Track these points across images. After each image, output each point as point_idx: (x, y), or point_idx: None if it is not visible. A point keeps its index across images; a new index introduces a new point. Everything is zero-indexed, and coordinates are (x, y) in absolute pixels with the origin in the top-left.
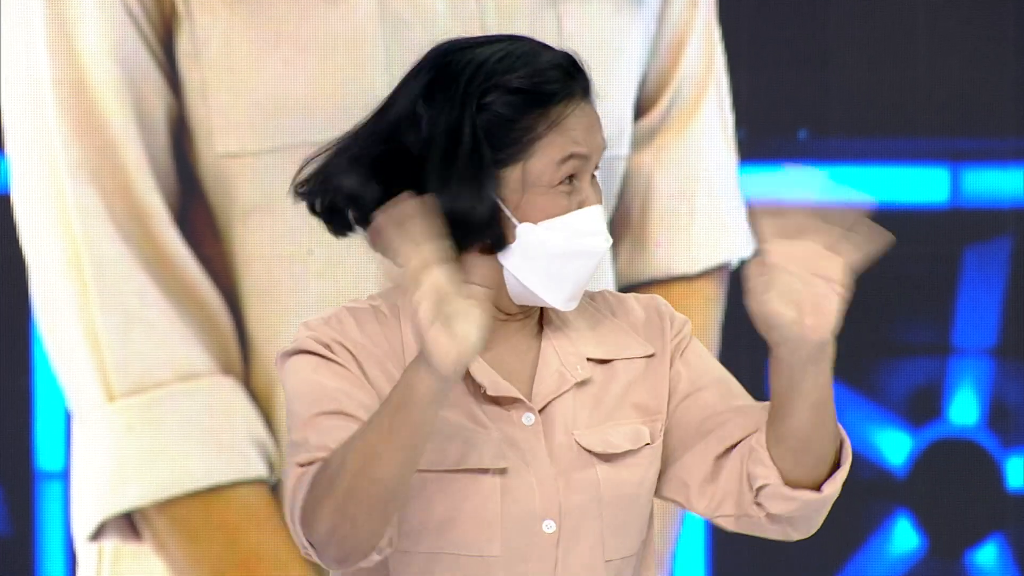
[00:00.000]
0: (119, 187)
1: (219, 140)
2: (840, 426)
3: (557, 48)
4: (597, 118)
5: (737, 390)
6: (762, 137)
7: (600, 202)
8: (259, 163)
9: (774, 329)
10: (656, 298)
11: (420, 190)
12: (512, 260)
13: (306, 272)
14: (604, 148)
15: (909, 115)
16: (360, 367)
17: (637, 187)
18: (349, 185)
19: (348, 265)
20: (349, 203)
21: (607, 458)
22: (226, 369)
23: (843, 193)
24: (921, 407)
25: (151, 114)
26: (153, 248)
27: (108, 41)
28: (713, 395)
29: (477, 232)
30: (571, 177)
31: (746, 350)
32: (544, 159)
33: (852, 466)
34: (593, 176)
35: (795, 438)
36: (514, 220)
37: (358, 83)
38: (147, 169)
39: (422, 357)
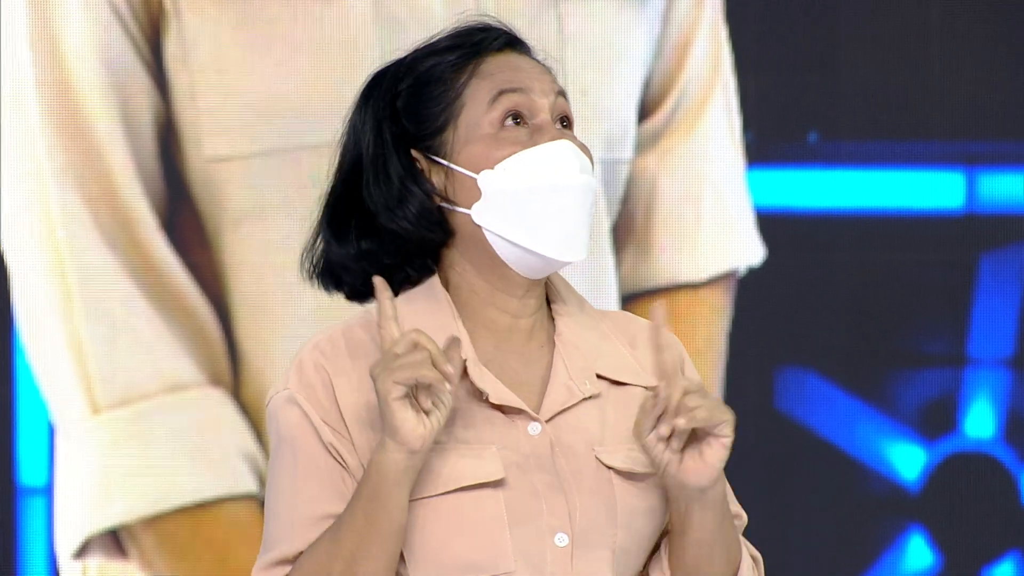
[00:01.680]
0: (104, 193)
1: (208, 144)
2: (746, 550)
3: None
4: (537, 66)
5: None
6: (770, 140)
7: (574, 143)
8: (250, 167)
9: (656, 466)
10: (679, 343)
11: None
12: (487, 217)
13: (298, 281)
14: (559, 92)
15: (922, 117)
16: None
17: (641, 192)
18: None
19: None
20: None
21: (628, 476)
22: (215, 381)
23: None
24: (935, 420)
25: (138, 117)
26: (140, 256)
27: (93, 42)
28: None
29: (431, 214)
30: (517, 117)
31: (754, 362)
32: (473, 106)
33: (864, 481)
34: (568, 125)
35: (684, 567)
36: (471, 175)
37: (352, 85)
38: (133, 174)
39: (387, 437)
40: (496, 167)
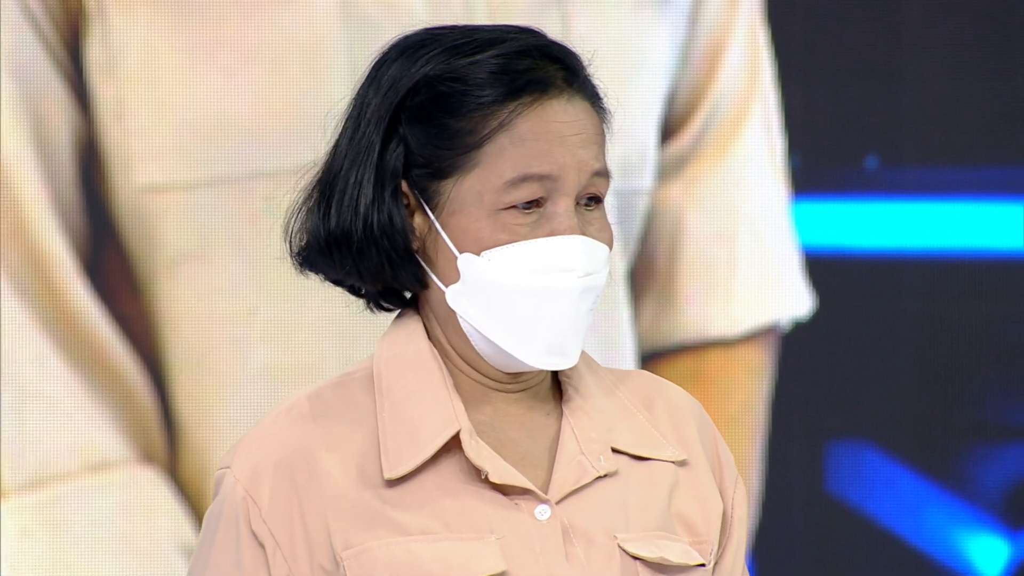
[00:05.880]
0: (12, 228)
1: (140, 170)
2: None
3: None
4: (585, 128)
5: None
6: (820, 165)
7: (592, 235)
8: (190, 199)
9: None
10: (699, 405)
11: None
12: (460, 302)
13: (248, 335)
14: (598, 171)
15: (1004, 138)
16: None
17: (664, 228)
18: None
19: (300, 327)
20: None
21: (658, 568)
22: (146, 457)
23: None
24: (1021, 505)
25: (53, 137)
26: (55, 305)
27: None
28: None
29: (398, 267)
30: (530, 205)
31: (801, 435)
32: (488, 172)
33: None
34: (593, 204)
35: None
36: (454, 250)
37: (315, 98)
38: (48, 206)
39: None
40: (482, 253)
